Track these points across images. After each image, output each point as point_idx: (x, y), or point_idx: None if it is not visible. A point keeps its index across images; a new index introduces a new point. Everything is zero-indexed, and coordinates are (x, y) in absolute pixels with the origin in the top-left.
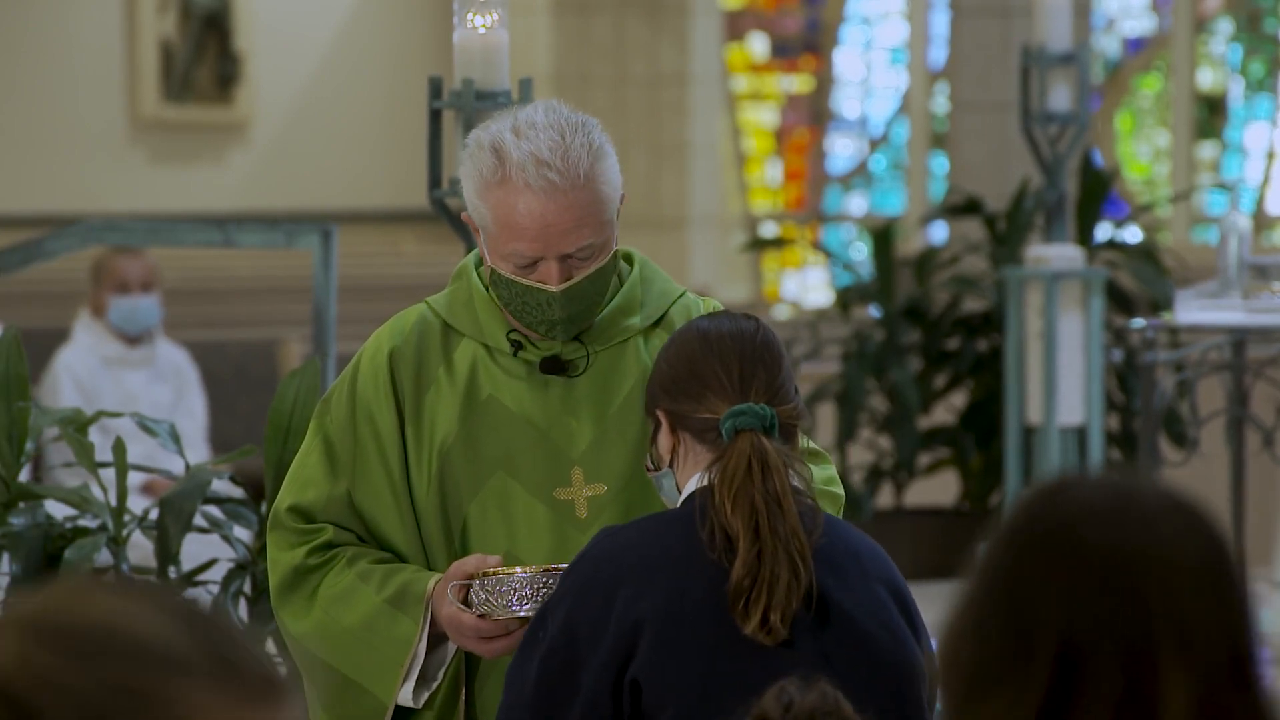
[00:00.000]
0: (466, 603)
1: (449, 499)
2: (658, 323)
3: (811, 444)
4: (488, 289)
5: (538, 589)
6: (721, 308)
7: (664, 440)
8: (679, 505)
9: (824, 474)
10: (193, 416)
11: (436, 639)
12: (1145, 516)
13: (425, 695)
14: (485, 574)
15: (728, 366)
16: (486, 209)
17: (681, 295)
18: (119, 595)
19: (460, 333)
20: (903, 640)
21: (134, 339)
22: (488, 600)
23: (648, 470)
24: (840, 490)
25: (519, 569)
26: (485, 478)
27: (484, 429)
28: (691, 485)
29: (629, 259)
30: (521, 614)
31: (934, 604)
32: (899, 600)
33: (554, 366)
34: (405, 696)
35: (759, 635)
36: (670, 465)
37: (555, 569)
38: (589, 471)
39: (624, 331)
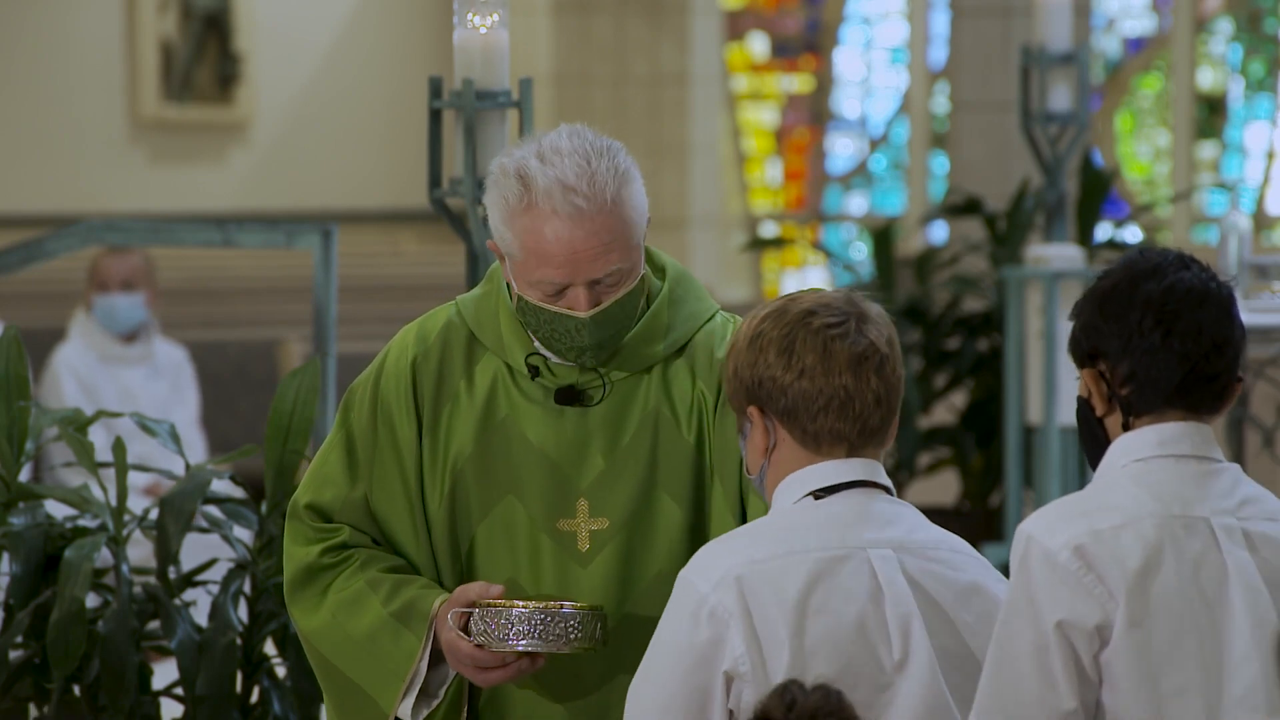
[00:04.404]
0: (466, 629)
1: (459, 517)
2: (679, 351)
3: None
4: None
5: (535, 625)
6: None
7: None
8: None
9: None
10: (186, 405)
11: (439, 655)
12: None
13: (425, 712)
14: (486, 604)
15: None
16: (513, 236)
17: (711, 318)
18: None
19: (485, 346)
20: None
21: (128, 336)
22: (486, 631)
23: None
24: None
25: (519, 604)
26: (495, 501)
27: (498, 451)
28: None
29: (661, 272)
30: (519, 648)
31: None
32: None
33: (569, 397)
34: (405, 710)
35: None
36: None
37: (556, 606)
38: (594, 504)
39: (645, 359)
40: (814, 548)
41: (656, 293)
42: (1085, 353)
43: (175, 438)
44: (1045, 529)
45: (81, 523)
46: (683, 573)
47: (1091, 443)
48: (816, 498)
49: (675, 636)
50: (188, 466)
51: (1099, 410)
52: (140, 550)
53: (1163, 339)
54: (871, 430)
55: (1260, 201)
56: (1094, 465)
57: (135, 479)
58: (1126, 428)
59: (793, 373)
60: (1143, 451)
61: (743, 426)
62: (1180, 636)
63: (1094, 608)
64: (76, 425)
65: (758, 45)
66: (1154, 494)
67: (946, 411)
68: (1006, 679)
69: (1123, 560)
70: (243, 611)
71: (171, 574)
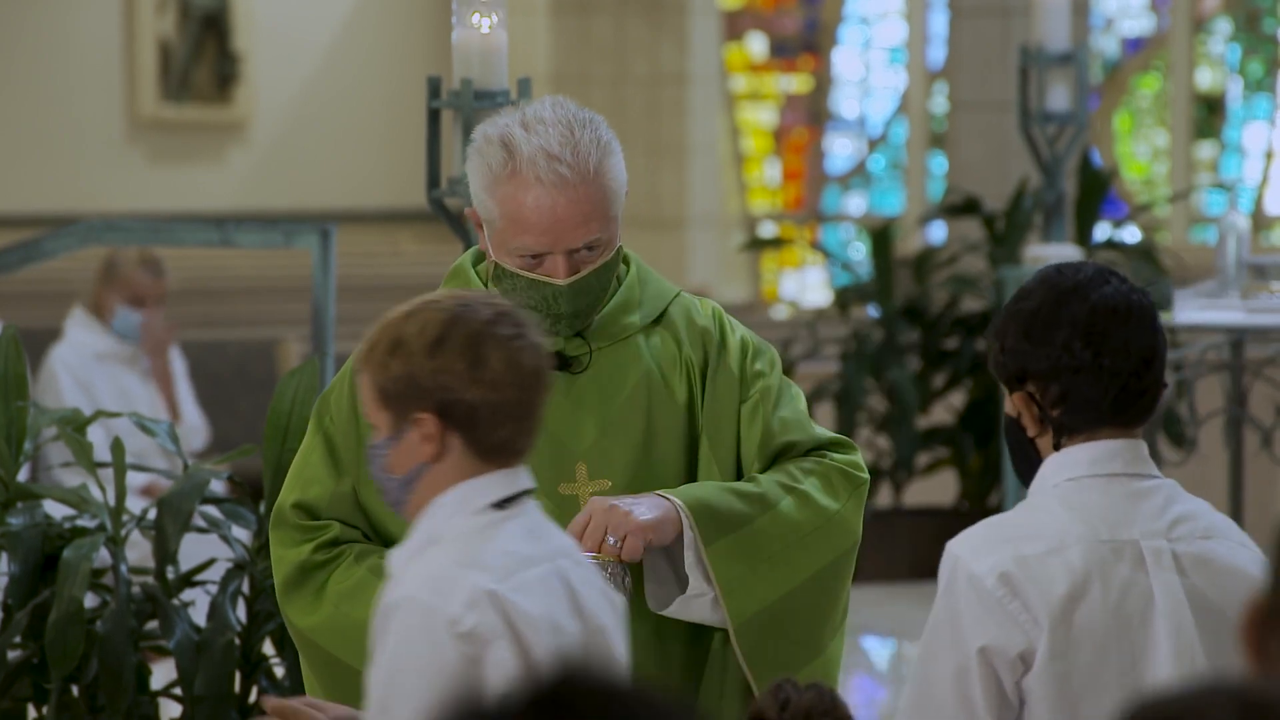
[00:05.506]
0: None
1: None
2: (657, 321)
3: (831, 434)
4: (487, 284)
5: None
6: (719, 307)
7: None
8: None
9: (847, 458)
10: (185, 401)
11: None
12: None
13: None
14: None
15: None
16: (494, 203)
17: (677, 295)
18: None
19: None
20: None
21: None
22: None
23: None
24: (864, 474)
25: None
26: None
27: None
28: None
29: (625, 259)
30: None
31: (932, 604)
32: None
33: (558, 363)
34: None
35: None
36: None
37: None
38: (593, 467)
39: (625, 329)
40: (539, 558)
41: (624, 275)
42: (1012, 375)
43: (174, 437)
44: (972, 552)
45: (80, 523)
46: (409, 597)
47: (1024, 462)
48: (498, 508)
49: (421, 661)
50: (185, 466)
51: (1031, 431)
52: (138, 550)
53: (1093, 359)
54: (533, 441)
55: (1258, 201)
56: (1026, 484)
57: (133, 479)
58: (1058, 447)
59: (481, 383)
60: (1074, 470)
61: (400, 429)
62: (1102, 665)
63: (1018, 635)
64: (75, 425)
65: (756, 45)
66: (1083, 518)
67: (945, 411)
68: (926, 699)
69: (1048, 588)
70: (241, 611)
71: (170, 574)
